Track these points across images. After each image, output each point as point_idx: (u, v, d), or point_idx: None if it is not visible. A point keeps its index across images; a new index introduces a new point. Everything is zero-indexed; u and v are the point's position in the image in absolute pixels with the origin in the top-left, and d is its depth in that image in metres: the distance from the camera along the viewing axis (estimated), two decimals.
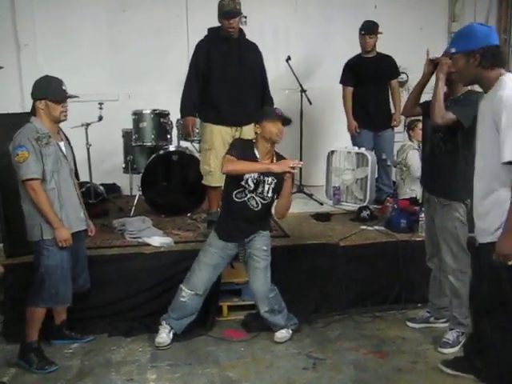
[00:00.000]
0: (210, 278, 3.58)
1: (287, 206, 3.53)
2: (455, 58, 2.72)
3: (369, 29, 5.20)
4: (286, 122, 3.44)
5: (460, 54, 2.66)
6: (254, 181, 3.43)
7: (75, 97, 3.36)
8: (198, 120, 4.60)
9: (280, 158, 3.52)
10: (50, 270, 3.24)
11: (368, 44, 5.23)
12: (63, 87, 3.32)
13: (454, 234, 3.35)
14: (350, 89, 5.37)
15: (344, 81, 5.40)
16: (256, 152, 3.46)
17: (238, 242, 3.56)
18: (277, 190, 3.49)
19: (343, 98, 5.41)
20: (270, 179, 3.45)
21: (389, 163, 5.42)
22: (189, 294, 3.53)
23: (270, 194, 3.49)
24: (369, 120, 5.36)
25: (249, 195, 3.46)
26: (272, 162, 3.48)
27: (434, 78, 3.35)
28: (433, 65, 3.35)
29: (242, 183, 3.43)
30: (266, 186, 3.46)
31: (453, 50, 2.70)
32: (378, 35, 5.24)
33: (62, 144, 3.36)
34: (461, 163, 3.30)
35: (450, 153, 3.30)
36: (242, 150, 3.44)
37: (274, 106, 3.59)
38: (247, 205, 3.47)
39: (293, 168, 3.31)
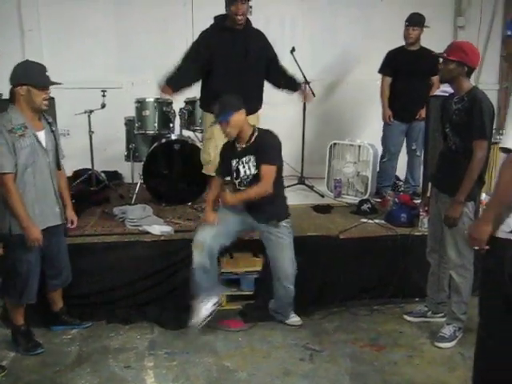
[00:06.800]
0: (217, 233, 3.52)
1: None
2: None
3: (412, 20, 5.09)
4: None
5: None
6: (234, 168, 3.55)
7: (59, 84, 3.19)
8: (200, 110, 4.59)
9: (260, 137, 3.49)
10: (16, 264, 3.16)
11: (410, 36, 5.11)
12: (46, 73, 3.15)
13: (461, 229, 3.30)
14: (389, 79, 5.27)
15: (383, 70, 5.32)
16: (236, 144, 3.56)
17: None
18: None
19: (381, 87, 5.33)
20: (245, 158, 3.49)
21: (418, 153, 5.28)
22: (198, 272, 3.46)
23: (252, 170, 3.48)
24: (402, 113, 5.26)
25: (236, 182, 3.56)
26: (250, 141, 3.48)
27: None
28: None
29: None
30: (246, 166, 3.49)
31: None
32: (424, 29, 5.10)
33: (41, 133, 3.21)
34: None
35: (465, 152, 3.22)
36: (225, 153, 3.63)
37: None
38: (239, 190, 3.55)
39: None
